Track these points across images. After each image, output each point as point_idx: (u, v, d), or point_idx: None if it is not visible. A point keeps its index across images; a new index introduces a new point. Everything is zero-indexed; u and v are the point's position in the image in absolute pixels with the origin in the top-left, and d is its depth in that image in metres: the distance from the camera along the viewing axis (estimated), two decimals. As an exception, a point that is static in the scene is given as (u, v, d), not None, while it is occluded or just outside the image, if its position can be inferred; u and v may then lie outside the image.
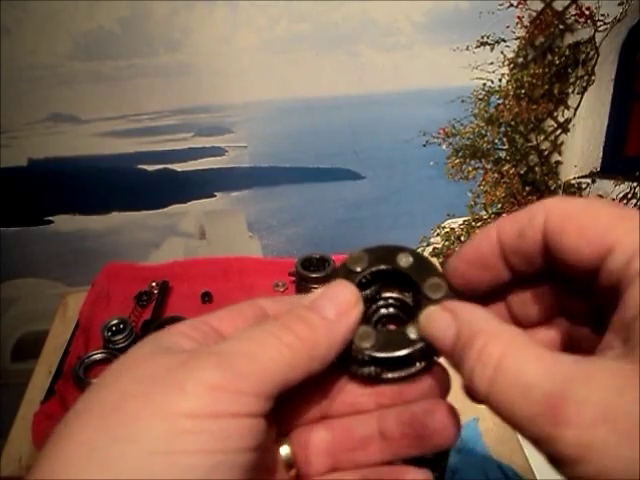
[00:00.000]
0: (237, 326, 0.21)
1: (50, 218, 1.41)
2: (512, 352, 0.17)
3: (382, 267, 0.23)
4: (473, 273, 0.22)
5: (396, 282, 0.23)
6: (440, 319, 0.20)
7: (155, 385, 0.17)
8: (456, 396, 0.23)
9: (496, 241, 0.21)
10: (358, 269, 0.23)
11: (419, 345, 0.21)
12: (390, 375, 0.22)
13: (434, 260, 0.97)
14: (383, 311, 0.23)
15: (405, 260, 0.23)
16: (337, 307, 0.21)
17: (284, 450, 0.23)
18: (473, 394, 0.19)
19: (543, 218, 0.20)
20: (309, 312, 0.20)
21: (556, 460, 0.16)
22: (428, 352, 0.21)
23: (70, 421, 0.18)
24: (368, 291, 0.23)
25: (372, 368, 0.21)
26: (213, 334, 0.21)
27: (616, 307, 0.17)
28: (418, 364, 0.22)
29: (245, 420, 0.18)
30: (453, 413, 0.21)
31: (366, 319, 0.22)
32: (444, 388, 0.22)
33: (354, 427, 0.23)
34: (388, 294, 0.23)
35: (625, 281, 0.17)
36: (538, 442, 0.16)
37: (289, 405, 0.23)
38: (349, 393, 0.23)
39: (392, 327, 0.23)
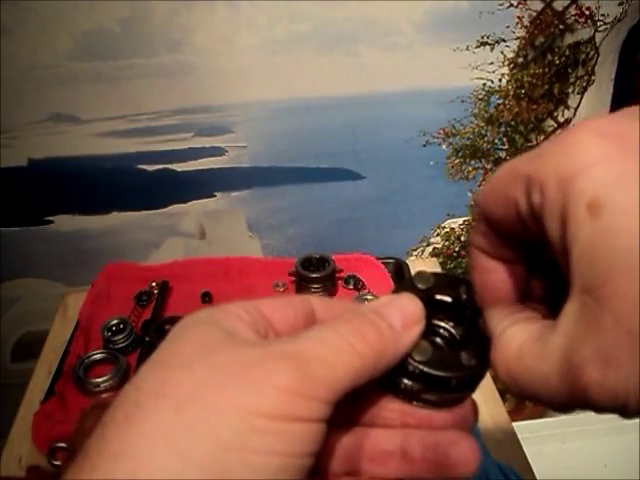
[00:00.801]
0: (288, 319, 0.22)
1: (50, 218, 1.41)
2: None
3: (446, 296, 0.23)
4: (497, 194, 0.21)
5: (450, 311, 0.23)
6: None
7: (231, 380, 0.18)
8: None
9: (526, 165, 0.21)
10: (422, 287, 0.23)
11: (470, 372, 0.21)
12: (429, 397, 0.22)
13: (434, 260, 0.97)
14: (432, 337, 0.23)
15: (465, 291, 0.23)
16: (404, 318, 0.21)
17: None
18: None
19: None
20: (379, 319, 0.20)
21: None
22: (472, 382, 0.21)
23: (143, 403, 0.18)
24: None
25: (415, 384, 0.21)
26: (265, 323, 0.21)
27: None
28: (457, 393, 0.22)
29: (314, 425, 0.18)
30: (475, 448, 0.22)
31: None
32: (471, 422, 0.22)
33: (379, 439, 0.23)
34: (441, 323, 0.23)
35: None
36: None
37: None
38: (381, 405, 0.23)
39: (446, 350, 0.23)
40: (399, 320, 0.21)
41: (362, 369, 0.20)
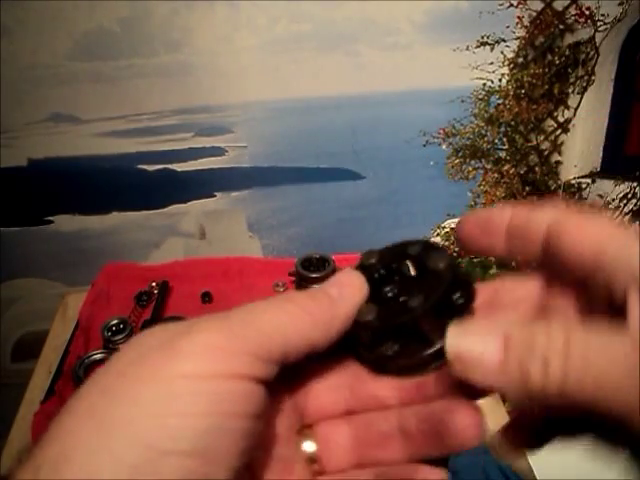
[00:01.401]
0: None
1: (50, 218, 1.41)
2: (576, 337, 0.17)
3: (388, 266, 0.23)
4: (476, 234, 0.22)
5: (398, 278, 0.23)
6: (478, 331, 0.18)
7: (155, 351, 0.18)
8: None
9: (508, 218, 0.22)
10: (372, 261, 0.24)
11: (416, 312, 0.21)
12: (399, 360, 0.21)
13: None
14: (388, 288, 0.23)
15: (413, 248, 0.23)
16: (340, 287, 0.22)
17: (308, 446, 0.23)
18: (538, 395, 0.17)
19: (550, 217, 0.20)
20: (315, 291, 0.21)
21: None
22: (427, 330, 0.21)
23: (79, 391, 0.18)
24: (378, 274, 0.23)
25: (375, 346, 0.21)
26: None
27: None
28: (419, 345, 0.21)
29: (241, 383, 0.18)
30: (476, 413, 0.20)
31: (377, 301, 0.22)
32: (471, 389, 0.21)
33: (375, 423, 0.22)
34: (387, 288, 0.23)
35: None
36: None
37: (311, 397, 0.23)
38: (369, 385, 0.23)
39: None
40: (335, 289, 0.21)
41: (293, 326, 0.19)
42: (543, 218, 0.21)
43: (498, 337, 0.18)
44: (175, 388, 0.17)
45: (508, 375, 0.17)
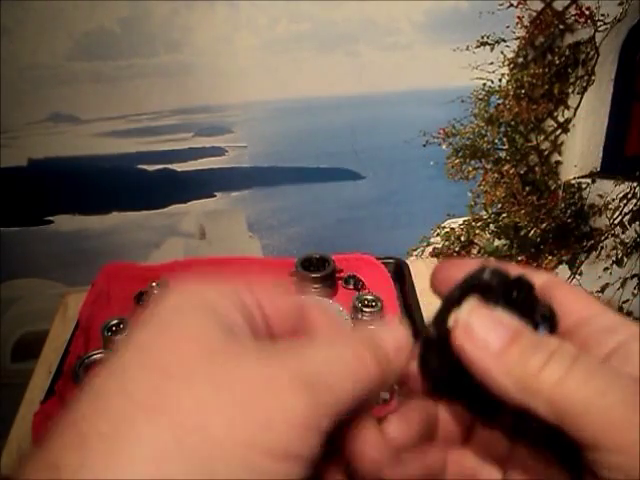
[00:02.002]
0: (280, 311, 0.21)
1: (50, 218, 1.41)
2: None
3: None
4: (448, 283, 0.22)
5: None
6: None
7: (237, 407, 0.15)
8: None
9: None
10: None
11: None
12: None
13: (434, 260, 0.97)
14: None
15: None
16: (397, 346, 0.20)
17: None
18: (524, 390, 0.17)
19: (539, 281, 0.21)
20: (377, 347, 0.19)
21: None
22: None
23: (136, 418, 0.15)
24: None
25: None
26: (259, 314, 0.20)
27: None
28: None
29: (309, 461, 0.16)
30: None
31: None
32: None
33: None
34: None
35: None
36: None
37: None
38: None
39: None
40: (392, 349, 0.20)
41: (357, 398, 0.18)
42: (535, 278, 0.21)
43: (510, 328, 0.18)
44: (256, 465, 0.15)
45: (505, 361, 0.17)
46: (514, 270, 0.21)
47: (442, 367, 0.20)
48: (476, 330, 0.18)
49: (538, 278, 0.21)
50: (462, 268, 0.21)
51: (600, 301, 0.20)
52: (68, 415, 0.16)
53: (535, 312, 0.20)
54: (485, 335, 0.18)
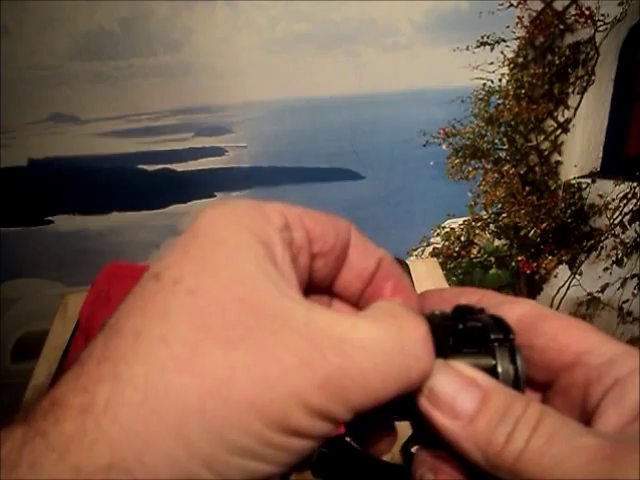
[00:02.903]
0: (327, 242, 0.19)
1: (50, 218, 1.41)
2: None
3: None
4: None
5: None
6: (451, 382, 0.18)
7: (261, 367, 0.15)
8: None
9: (475, 301, 0.21)
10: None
11: None
12: None
13: (434, 260, 0.96)
14: None
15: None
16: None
17: None
18: (491, 460, 0.17)
19: (522, 311, 0.20)
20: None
21: None
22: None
23: (169, 338, 0.15)
24: None
25: None
26: (304, 243, 0.18)
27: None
28: None
29: (318, 441, 0.16)
30: None
31: None
32: None
33: None
34: None
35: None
36: None
37: None
38: None
39: None
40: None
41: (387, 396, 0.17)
42: (515, 309, 0.20)
43: (480, 390, 0.17)
44: (267, 437, 0.15)
45: (471, 430, 0.17)
46: (462, 298, 0.20)
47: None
48: (442, 395, 0.17)
49: (518, 309, 0.20)
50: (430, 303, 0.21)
51: (590, 326, 0.19)
52: (107, 344, 0.16)
53: (488, 335, 0.19)
54: (452, 401, 0.17)
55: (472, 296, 0.21)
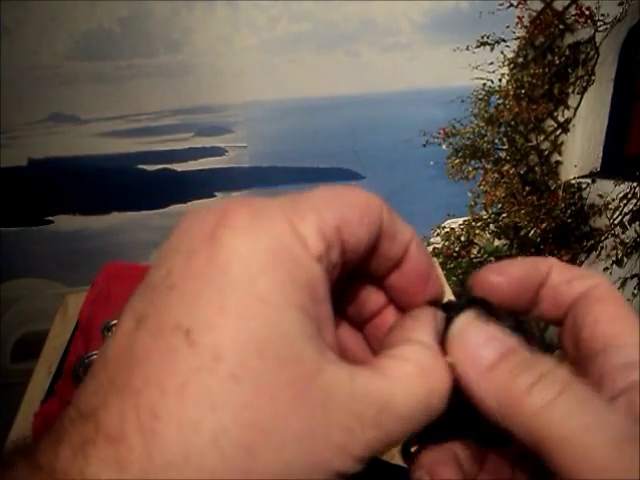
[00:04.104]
0: (360, 244, 0.18)
1: (50, 218, 1.41)
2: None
3: None
4: (504, 292, 0.21)
5: None
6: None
7: (305, 415, 0.15)
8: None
9: (544, 276, 0.21)
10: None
11: None
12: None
13: (434, 260, 0.96)
14: None
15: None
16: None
17: None
18: (506, 409, 0.17)
19: (590, 286, 0.20)
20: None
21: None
22: None
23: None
24: None
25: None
26: (339, 266, 0.17)
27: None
28: None
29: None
30: None
31: None
32: None
33: None
34: None
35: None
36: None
37: None
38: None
39: None
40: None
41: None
42: (583, 285, 0.20)
43: (504, 344, 0.17)
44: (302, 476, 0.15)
45: (490, 377, 0.17)
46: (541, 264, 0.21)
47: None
48: (469, 343, 0.18)
49: (585, 285, 0.20)
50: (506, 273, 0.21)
51: (637, 322, 0.19)
52: (144, 433, 0.14)
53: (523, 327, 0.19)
54: (476, 349, 0.18)
55: (540, 269, 0.21)
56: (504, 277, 0.20)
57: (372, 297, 0.21)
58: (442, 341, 0.19)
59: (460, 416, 0.19)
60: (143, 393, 0.14)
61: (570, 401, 0.16)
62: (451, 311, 0.19)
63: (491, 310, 0.19)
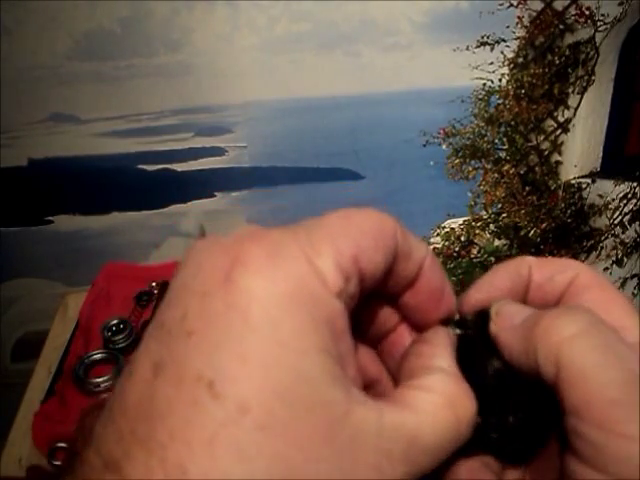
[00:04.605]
0: (377, 271, 0.18)
1: (50, 218, 1.41)
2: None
3: None
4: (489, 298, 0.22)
5: None
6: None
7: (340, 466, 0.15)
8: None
9: (527, 279, 0.22)
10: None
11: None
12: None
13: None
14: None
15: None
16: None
17: None
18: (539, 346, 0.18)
19: (571, 277, 0.21)
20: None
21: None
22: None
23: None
24: None
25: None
26: (357, 296, 0.17)
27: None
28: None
29: None
30: None
31: None
32: None
33: None
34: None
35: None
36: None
37: None
38: None
39: None
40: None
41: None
42: (566, 277, 0.21)
43: (533, 311, 0.19)
44: None
45: (522, 327, 0.19)
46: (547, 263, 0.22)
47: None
48: (504, 313, 0.20)
49: (568, 276, 0.21)
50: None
51: (629, 304, 0.20)
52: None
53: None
54: (511, 314, 0.19)
55: (521, 273, 0.22)
56: (493, 294, 0.21)
57: (386, 315, 0.21)
58: (457, 359, 0.19)
59: (479, 429, 0.20)
60: (169, 447, 0.13)
61: (593, 338, 0.17)
62: (464, 328, 0.21)
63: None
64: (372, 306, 0.21)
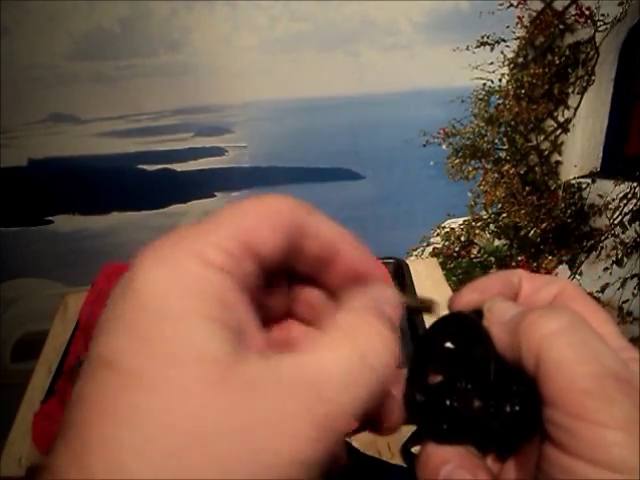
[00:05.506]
0: (275, 249, 0.19)
1: (50, 218, 1.41)
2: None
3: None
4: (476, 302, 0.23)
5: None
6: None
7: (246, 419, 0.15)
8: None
9: (517, 288, 0.23)
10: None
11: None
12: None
13: (434, 260, 0.96)
14: None
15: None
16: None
17: None
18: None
19: (557, 290, 0.22)
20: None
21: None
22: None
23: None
24: None
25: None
26: (249, 261, 0.18)
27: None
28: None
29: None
30: None
31: None
32: None
33: None
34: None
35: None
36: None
37: None
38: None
39: None
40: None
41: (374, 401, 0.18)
42: (551, 291, 0.22)
43: (521, 308, 0.20)
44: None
45: (511, 318, 0.20)
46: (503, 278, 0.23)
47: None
48: (495, 309, 0.21)
49: (553, 290, 0.22)
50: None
51: (608, 318, 0.21)
52: (80, 462, 0.15)
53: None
54: (501, 311, 0.21)
55: (512, 281, 0.23)
56: (485, 294, 0.23)
57: (315, 297, 0.22)
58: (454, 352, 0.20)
59: (460, 418, 0.20)
60: (75, 425, 0.15)
61: (572, 335, 0.18)
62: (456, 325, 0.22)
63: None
64: (302, 290, 0.22)
